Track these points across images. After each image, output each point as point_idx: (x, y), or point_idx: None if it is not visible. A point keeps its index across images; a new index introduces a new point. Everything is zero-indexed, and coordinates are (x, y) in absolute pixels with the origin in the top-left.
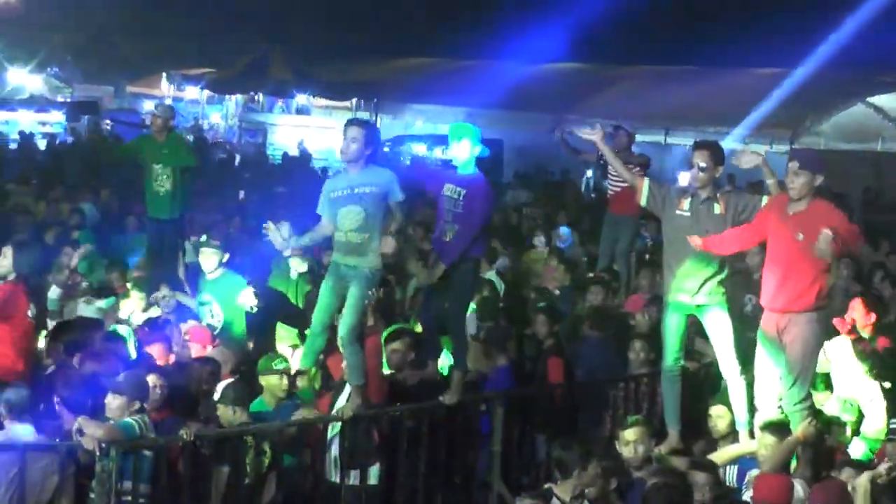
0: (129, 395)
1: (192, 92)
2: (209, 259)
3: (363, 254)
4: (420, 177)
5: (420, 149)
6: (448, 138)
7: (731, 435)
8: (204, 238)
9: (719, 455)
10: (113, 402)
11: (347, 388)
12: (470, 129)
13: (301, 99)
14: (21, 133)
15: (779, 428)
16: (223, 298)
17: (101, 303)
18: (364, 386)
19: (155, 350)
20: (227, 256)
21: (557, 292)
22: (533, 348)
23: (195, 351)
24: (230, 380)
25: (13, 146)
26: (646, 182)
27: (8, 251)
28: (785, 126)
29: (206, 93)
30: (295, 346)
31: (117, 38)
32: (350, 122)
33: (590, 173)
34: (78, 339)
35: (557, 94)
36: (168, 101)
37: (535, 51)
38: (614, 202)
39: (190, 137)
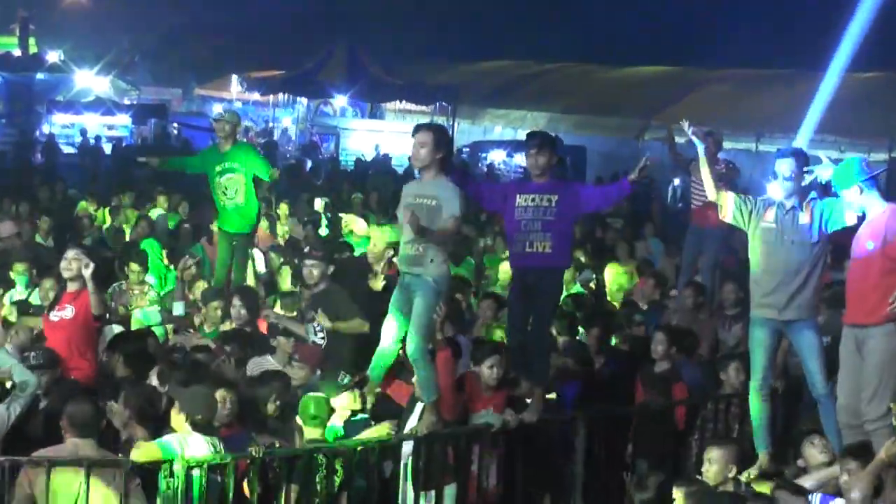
0: (191, 410)
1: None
2: (312, 271)
3: (422, 264)
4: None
5: (499, 155)
6: (525, 147)
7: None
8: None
9: (809, 479)
10: (176, 416)
11: (419, 406)
12: (545, 139)
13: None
14: (83, 132)
15: (861, 451)
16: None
17: (179, 308)
18: (437, 402)
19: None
20: (332, 268)
21: (645, 307)
22: (613, 361)
23: (302, 374)
24: (315, 395)
25: (72, 149)
26: (730, 197)
27: (70, 253)
28: (883, 134)
29: (277, 96)
30: None
31: (187, 39)
32: (418, 127)
33: (677, 181)
34: (138, 350)
35: (643, 98)
36: (237, 105)
37: (621, 53)
38: (698, 213)
39: (260, 140)
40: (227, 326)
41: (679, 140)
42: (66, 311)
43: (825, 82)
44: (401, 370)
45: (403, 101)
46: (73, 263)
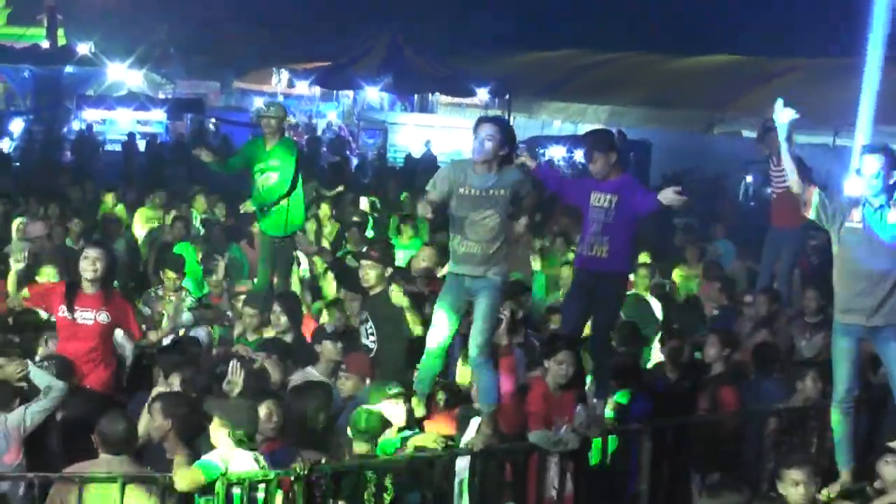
0: (234, 425)
1: (304, 88)
2: (369, 273)
3: (494, 262)
4: (553, 188)
5: (558, 152)
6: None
7: None
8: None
9: (887, 500)
10: (216, 431)
11: (475, 419)
12: (599, 140)
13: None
14: (131, 135)
15: None
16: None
17: (187, 317)
18: (496, 413)
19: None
20: (389, 271)
21: (716, 312)
22: (693, 373)
23: (351, 384)
24: (367, 408)
25: (112, 147)
26: (816, 193)
27: (91, 252)
28: None
29: (321, 89)
30: None
31: (225, 29)
32: (483, 120)
33: (749, 178)
34: (176, 361)
35: (711, 89)
36: (280, 99)
37: (686, 41)
38: (776, 212)
39: (303, 137)
40: (270, 334)
41: (748, 135)
42: (101, 315)
43: None
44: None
45: (449, 95)
46: (98, 263)
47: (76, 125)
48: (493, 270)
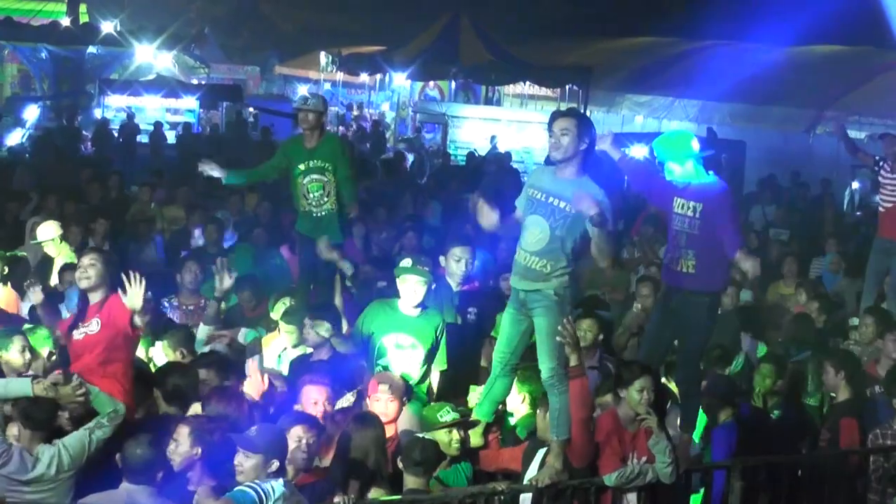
0: (265, 454)
1: (354, 74)
2: (417, 288)
3: (545, 278)
4: (640, 186)
5: (641, 151)
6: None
7: None
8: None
9: None
10: (245, 462)
11: (541, 451)
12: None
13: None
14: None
15: None
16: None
17: (242, 334)
18: (567, 443)
19: (311, 395)
20: (434, 285)
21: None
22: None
23: (387, 410)
24: (421, 437)
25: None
26: None
27: (83, 260)
28: None
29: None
30: None
31: (266, 7)
32: (556, 114)
33: (856, 185)
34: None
35: (815, 84)
36: (326, 87)
37: (787, 30)
38: (885, 223)
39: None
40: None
41: (854, 135)
42: (92, 326)
43: None
44: None
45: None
46: (90, 270)
47: (98, 112)
48: (549, 284)
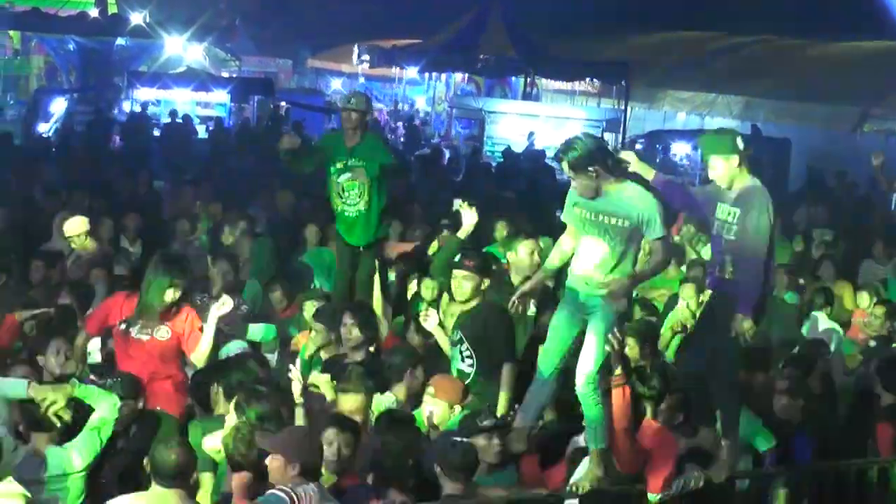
0: (288, 455)
1: (389, 68)
2: (463, 284)
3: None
4: (683, 204)
5: (683, 148)
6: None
7: None
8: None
9: None
10: (272, 463)
11: (586, 459)
12: (717, 143)
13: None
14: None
15: None
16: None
17: (257, 331)
18: (607, 452)
19: (349, 401)
20: (486, 283)
21: (873, 343)
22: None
23: (440, 411)
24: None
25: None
26: None
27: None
28: None
29: (409, 71)
30: None
31: None
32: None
33: None
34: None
35: (863, 80)
36: (360, 81)
37: (835, 23)
38: None
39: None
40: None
41: None
42: (161, 332)
43: None
44: None
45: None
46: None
47: (126, 105)
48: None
